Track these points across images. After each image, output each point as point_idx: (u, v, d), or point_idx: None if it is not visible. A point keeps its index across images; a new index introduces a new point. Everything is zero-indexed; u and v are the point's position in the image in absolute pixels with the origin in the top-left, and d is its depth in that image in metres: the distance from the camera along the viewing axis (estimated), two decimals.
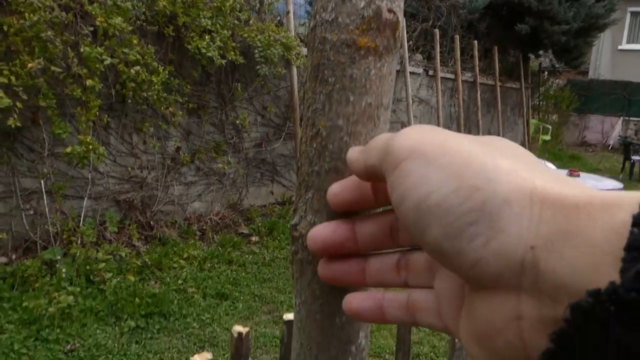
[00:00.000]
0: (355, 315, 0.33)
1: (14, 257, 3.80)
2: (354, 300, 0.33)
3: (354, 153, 0.32)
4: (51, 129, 3.52)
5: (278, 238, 5.00)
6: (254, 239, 5.01)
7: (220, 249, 4.60)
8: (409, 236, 0.32)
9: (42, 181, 3.81)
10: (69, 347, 3.07)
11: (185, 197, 4.96)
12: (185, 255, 4.23)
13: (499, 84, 9.60)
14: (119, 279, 3.70)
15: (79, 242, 3.85)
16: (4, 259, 3.75)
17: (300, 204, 0.36)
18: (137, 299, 3.50)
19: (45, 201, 3.86)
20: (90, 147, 3.52)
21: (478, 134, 8.85)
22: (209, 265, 4.30)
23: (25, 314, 3.20)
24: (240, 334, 1.20)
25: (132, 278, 3.72)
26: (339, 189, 0.33)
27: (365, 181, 0.32)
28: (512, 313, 0.23)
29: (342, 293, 0.35)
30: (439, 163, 0.25)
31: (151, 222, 4.53)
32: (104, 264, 3.70)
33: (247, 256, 4.61)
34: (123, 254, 3.95)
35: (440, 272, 0.30)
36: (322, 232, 0.33)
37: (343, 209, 0.34)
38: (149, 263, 3.99)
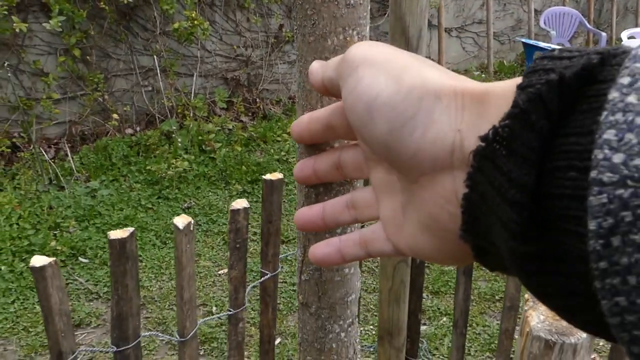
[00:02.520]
0: (321, 263, 0.40)
1: (138, 128, 4.21)
2: (317, 251, 0.39)
3: (315, 65, 0.37)
4: (159, 4, 3.70)
5: None
6: None
7: None
8: (352, 171, 0.38)
9: (155, 57, 4.09)
10: (185, 205, 3.45)
11: (289, 76, 5.07)
12: (288, 130, 4.42)
13: None
14: (227, 149, 4.00)
15: (191, 115, 4.16)
16: (130, 130, 4.18)
17: None
18: (243, 167, 3.78)
19: (160, 78, 4.16)
20: (196, 22, 3.67)
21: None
22: None
23: (149, 175, 3.61)
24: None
25: (239, 148, 3.99)
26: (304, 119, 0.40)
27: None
28: (451, 188, 0.27)
29: None
30: (384, 68, 0.29)
31: (257, 100, 4.74)
32: (214, 135, 3.99)
33: None
34: (231, 127, 4.22)
35: (382, 201, 0.34)
36: (297, 170, 0.42)
37: (301, 141, 0.42)
38: (255, 136, 4.24)
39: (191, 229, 1.14)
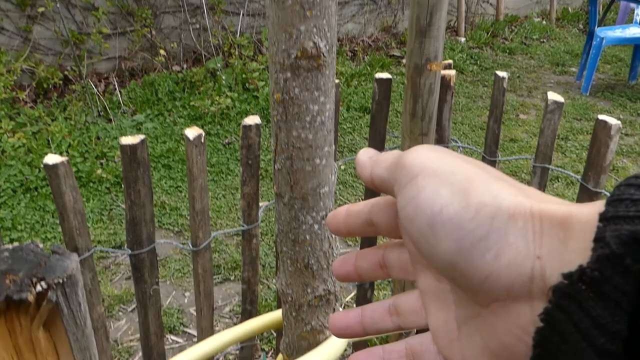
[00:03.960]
0: None
1: (185, 66, 4.28)
2: None
3: (364, 157, 0.34)
4: None
5: None
6: (404, 61, 4.96)
7: (368, 68, 4.67)
8: (397, 271, 0.35)
9: None
10: (226, 140, 3.52)
11: (338, 17, 4.98)
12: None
13: None
14: None
15: (237, 54, 4.18)
16: (177, 68, 4.25)
17: None
18: None
19: (207, 15, 4.17)
20: None
21: None
22: (355, 82, 4.42)
23: (193, 111, 3.69)
24: None
25: None
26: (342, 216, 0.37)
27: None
28: (529, 319, 0.25)
29: None
30: (448, 180, 0.27)
31: None
32: (257, 74, 4.01)
33: (395, 76, 4.62)
34: None
35: (431, 309, 0.31)
36: (335, 269, 0.38)
37: (338, 234, 0.38)
38: None
39: (202, 140, 1.17)
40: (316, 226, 0.72)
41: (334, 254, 0.75)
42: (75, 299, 0.58)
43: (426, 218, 0.27)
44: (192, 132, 1.16)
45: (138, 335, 1.96)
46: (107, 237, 2.68)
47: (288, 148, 0.65)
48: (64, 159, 1.02)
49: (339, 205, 3.04)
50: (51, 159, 1.01)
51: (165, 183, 3.11)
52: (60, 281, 0.56)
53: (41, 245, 0.60)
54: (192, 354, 0.86)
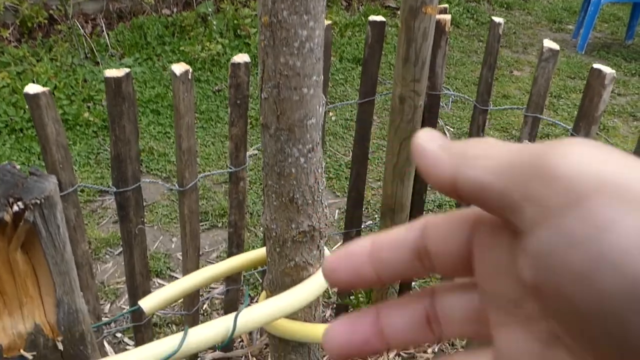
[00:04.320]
0: None
1: (175, 10, 4.16)
2: None
3: (432, 145, 0.20)
4: None
5: None
6: (399, 12, 4.86)
7: (363, 18, 4.57)
8: (457, 327, 0.22)
9: None
10: (216, 87, 3.47)
11: None
12: (327, 22, 4.28)
13: None
14: None
15: None
16: (167, 11, 4.13)
17: None
18: None
19: None
20: None
21: None
22: (349, 33, 4.33)
23: (182, 56, 3.61)
24: None
25: None
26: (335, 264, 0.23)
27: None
28: None
29: None
30: None
31: None
32: (249, 20, 3.91)
33: (390, 28, 4.53)
34: None
35: (506, 327, 0.19)
36: (337, 334, 0.23)
37: (348, 285, 0.24)
38: None
39: (189, 77, 1.14)
40: (302, 159, 0.70)
41: (320, 189, 0.75)
42: (53, 222, 0.57)
43: (626, 283, 0.15)
44: (179, 67, 1.13)
45: (124, 278, 1.98)
46: (94, 181, 2.66)
47: (275, 75, 0.63)
48: (45, 89, 0.99)
49: (329, 156, 3.04)
50: (32, 88, 0.98)
51: (154, 129, 3.07)
52: (38, 202, 0.55)
53: (18, 167, 0.58)
54: (176, 286, 0.86)
